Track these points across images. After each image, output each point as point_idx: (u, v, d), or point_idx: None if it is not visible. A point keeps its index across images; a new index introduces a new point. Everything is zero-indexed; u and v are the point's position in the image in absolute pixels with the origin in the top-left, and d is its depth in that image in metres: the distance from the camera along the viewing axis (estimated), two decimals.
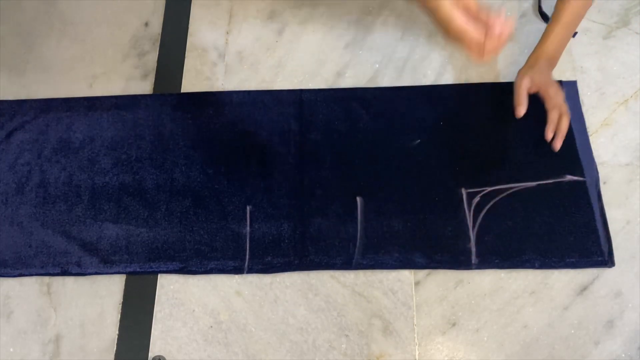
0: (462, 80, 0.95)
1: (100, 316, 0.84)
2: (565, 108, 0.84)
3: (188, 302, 0.83)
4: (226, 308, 0.82)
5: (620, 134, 0.88)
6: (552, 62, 0.87)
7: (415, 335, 0.79)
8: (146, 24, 1.06)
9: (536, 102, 0.91)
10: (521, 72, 0.87)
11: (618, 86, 0.92)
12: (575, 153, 0.86)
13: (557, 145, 0.84)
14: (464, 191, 0.85)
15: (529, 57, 0.88)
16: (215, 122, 0.94)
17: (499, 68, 0.94)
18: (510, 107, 0.90)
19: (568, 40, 0.88)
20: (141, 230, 0.87)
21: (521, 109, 0.85)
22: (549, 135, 0.85)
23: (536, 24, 0.98)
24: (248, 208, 0.87)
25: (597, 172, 0.85)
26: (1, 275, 0.86)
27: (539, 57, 0.86)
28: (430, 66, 0.96)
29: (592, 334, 0.77)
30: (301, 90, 0.95)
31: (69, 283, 0.86)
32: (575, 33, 0.96)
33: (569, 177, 0.85)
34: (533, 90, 0.86)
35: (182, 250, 0.85)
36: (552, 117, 0.84)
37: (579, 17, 0.86)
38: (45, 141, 0.95)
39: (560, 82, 0.92)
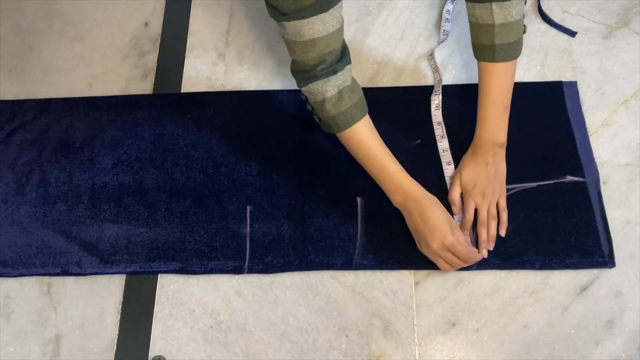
0: (462, 80, 0.95)
1: (100, 316, 0.84)
2: (493, 212, 0.81)
3: (188, 302, 0.83)
4: (226, 308, 0.82)
5: (620, 134, 0.88)
6: (496, 143, 0.80)
7: (415, 335, 0.79)
8: (146, 24, 1.06)
9: (537, 100, 0.91)
10: (460, 166, 0.84)
11: (618, 86, 0.92)
12: (575, 153, 0.86)
13: (484, 253, 0.81)
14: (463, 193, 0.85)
15: (472, 142, 0.82)
16: (216, 122, 0.94)
17: None
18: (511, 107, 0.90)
19: (506, 113, 0.80)
20: (141, 230, 0.87)
21: (454, 209, 0.83)
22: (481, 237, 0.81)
23: (536, 24, 0.98)
24: (248, 208, 0.87)
25: (597, 173, 0.85)
26: (1, 275, 0.87)
27: (479, 146, 0.81)
28: (429, 66, 0.96)
29: (592, 334, 0.77)
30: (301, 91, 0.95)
31: (69, 283, 0.86)
32: (575, 33, 0.96)
33: (569, 178, 0.85)
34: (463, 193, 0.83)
35: (182, 250, 0.85)
36: (482, 217, 0.81)
37: (508, 86, 0.79)
38: (45, 141, 0.95)
39: (560, 82, 0.92)
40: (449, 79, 0.94)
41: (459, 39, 0.98)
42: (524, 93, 0.91)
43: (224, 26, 1.04)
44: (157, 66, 1.01)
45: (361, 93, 0.78)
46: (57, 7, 1.09)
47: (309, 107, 0.80)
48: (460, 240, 0.76)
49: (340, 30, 0.73)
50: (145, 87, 1.00)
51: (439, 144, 0.88)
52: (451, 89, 0.93)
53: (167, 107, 0.96)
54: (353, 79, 0.78)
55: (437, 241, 0.76)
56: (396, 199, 0.79)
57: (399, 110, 0.92)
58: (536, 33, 0.97)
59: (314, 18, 0.68)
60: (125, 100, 0.98)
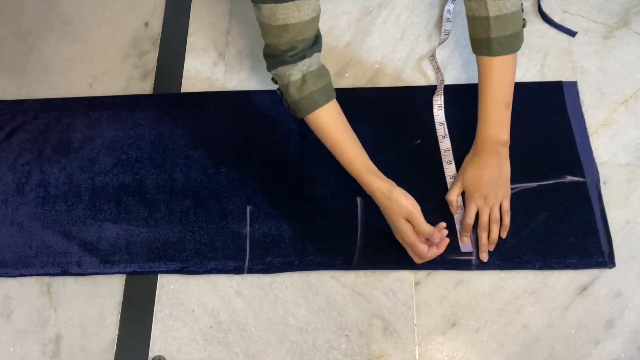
0: (462, 80, 0.94)
1: (100, 316, 0.84)
2: (496, 215, 0.80)
3: (188, 302, 0.83)
4: (226, 308, 0.82)
5: (620, 134, 0.88)
6: (499, 142, 0.78)
7: (415, 335, 0.79)
8: (146, 24, 1.06)
9: (537, 100, 0.91)
10: (462, 167, 0.82)
11: (618, 86, 0.92)
12: (576, 153, 0.86)
13: (484, 257, 0.80)
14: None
15: (474, 142, 0.80)
16: (215, 122, 0.94)
17: None
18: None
19: (507, 110, 0.78)
20: (141, 230, 0.87)
21: (452, 209, 0.83)
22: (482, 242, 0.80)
23: (536, 24, 0.98)
24: (248, 208, 0.87)
25: (598, 173, 0.85)
26: (1, 275, 0.87)
27: (481, 146, 0.79)
28: (430, 66, 0.96)
29: (592, 334, 0.77)
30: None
31: (69, 283, 0.86)
32: (575, 33, 0.96)
33: (569, 178, 0.85)
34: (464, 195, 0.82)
35: (182, 250, 0.85)
36: (483, 221, 0.80)
37: (508, 82, 0.77)
38: (45, 141, 0.95)
39: (560, 82, 0.92)
40: (449, 79, 0.94)
41: (458, 39, 0.98)
42: (524, 93, 0.91)
43: (224, 26, 1.04)
44: (157, 66, 1.01)
45: (328, 79, 0.78)
46: (57, 7, 1.09)
47: (278, 92, 0.81)
48: (419, 239, 0.75)
49: (315, 20, 0.74)
50: (145, 87, 1.00)
51: (440, 144, 0.88)
52: (451, 89, 0.93)
53: (167, 107, 0.96)
54: (322, 66, 0.78)
55: (398, 236, 0.78)
56: (365, 190, 0.79)
57: (399, 110, 0.92)
58: (536, 33, 0.97)
59: (290, 4, 0.70)
60: (125, 100, 0.98)
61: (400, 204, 0.75)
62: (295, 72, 0.75)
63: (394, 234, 0.79)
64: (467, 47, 0.96)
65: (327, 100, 0.77)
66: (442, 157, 0.87)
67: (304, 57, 0.75)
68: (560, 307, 0.79)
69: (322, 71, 0.78)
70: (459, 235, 0.82)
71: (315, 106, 0.77)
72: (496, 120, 0.78)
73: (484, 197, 0.80)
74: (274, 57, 0.76)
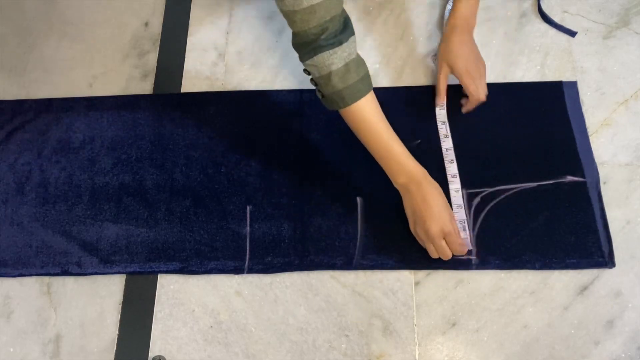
0: None
1: (100, 316, 0.84)
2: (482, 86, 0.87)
3: (188, 302, 0.83)
4: (226, 308, 0.82)
5: (620, 134, 0.88)
6: (469, 23, 0.88)
7: (415, 335, 0.79)
8: (146, 24, 1.06)
9: (537, 100, 0.91)
10: (439, 54, 0.90)
11: (618, 86, 0.92)
12: (576, 153, 0.86)
13: (468, 107, 0.88)
14: (464, 192, 0.85)
15: (449, 24, 0.89)
16: (216, 122, 0.94)
17: (498, 69, 0.94)
18: (509, 108, 0.90)
19: (477, 2, 0.89)
20: (141, 230, 0.87)
21: (439, 99, 0.90)
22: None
23: (536, 24, 0.98)
24: (248, 208, 0.87)
25: (598, 173, 0.85)
26: (1, 275, 0.87)
27: (455, 25, 0.88)
28: (430, 66, 0.96)
29: (592, 334, 0.77)
30: (301, 91, 0.95)
31: (69, 283, 0.86)
32: (575, 33, 0.96)
33: (569, 178, 0.85)
34: (453, 73, 0.88)
35: (182, 250, 0.85)
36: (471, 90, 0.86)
37: None
38: (45, 141, 0.95)
39: (560, 82, 0.92)
40: (450, 78, 0.94)
41: None
42: (524, 93, 0.91)
43: (224, 26, 1.04)
44: (157, 66, 1.01)
45: (367, 68, 0.77)
46: (57, 7, 1.09)
47: (312, 83, 0.79)
48: (456, 230, 0.77)
49: None
50: (145, 87, 1.00)
51: (442, 143, 0.88)
52: (451, 89, 0.93)
53: (167, 107, 0.96)
54: (358, 53, 0.76)
55: (437, 226, 0.75)
56: (399, 181, 0.78)
57: (399, 110, 0.92)
58: (536, 33, 0.97)
59: None
60: (125, 100, 0.98)
61: (444, 196, 0.78)
62: (336, 61, 0.73)
63: (416, 228, 0.78)
64: None
65: (369, 90, 0.76)
66: (444, 157, 0.87)
67: (340, 43, 0.72)
68: (560, 307, 0.79)
69: (361, 59, 0.77)
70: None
71: (360, 95, 0.75)
72: (471, 4, 0.88)
73: (469, 71, 0.86)
74: (307, 45, 0.73)
